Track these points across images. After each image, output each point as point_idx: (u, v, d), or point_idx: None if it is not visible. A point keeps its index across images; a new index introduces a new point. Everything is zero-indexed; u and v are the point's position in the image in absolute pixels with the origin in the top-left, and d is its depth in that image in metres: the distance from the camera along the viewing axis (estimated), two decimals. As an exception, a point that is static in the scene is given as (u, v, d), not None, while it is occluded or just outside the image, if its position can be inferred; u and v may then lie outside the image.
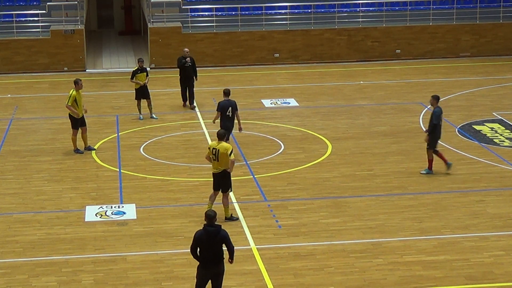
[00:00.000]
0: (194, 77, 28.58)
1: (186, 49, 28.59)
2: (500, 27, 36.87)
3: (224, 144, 18.51)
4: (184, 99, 28.55)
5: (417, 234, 18.18)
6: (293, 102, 29.34)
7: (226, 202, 18.91)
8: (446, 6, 37.43)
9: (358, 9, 36.92)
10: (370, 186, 21.12)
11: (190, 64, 28.18)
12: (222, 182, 18.68)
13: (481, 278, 16.06)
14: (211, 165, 18.79)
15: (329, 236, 18.09)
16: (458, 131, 25.58)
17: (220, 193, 18.90)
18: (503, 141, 24.54)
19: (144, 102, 27.19)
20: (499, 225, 18.53)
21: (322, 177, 21.74)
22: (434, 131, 21.65)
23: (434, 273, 16.31)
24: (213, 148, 18.48)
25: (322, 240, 17.86)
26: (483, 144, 24.27)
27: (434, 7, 37.28)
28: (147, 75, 27.11)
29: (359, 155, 23.43)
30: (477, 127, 25.93)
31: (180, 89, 28.75)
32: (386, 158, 23.25)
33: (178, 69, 28.38)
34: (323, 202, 20.08)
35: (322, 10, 36.84)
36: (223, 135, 18.62)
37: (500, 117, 26.85)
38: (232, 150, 18.53)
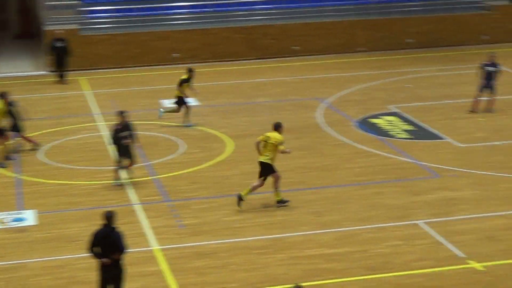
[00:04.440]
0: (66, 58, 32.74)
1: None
2: (394, 22, 37.65)
3: (275, 134, 19.32)
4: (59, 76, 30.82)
5: (318, 228, 18.44)
6: (193, 101, 29.37)
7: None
8: (342, 2, 38.02)
9: (255, 6, 37.19)
10: (271, 182, 21.28)
11: (62, 45, 32.58)
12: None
13: (380, 268, 16.39)
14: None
15: (232, 233, 18.20)
16: (356, 124, 26.04)
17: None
18: (399, 133, 25.10)
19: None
20: (397, 216, 18.93)
21: (223, 175, 21.86)
22: None
23: (335, 265, 16.57)
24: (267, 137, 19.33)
25: (225, 238, 17.95)
26: (380, 137, 24.77)
27: (330, 3, 37.82)
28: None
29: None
30: (374, 121, 26.45)
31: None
32: (287, 154, 23.43)
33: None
34: (225, 200, 20.17)
35: (220, 9, 36.98)
36: (279, 125, 19.44)
37: (396, 110, 27.42)
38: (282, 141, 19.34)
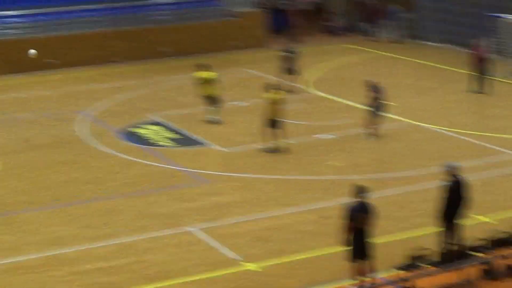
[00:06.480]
0: None
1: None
2: (148, 32, 38.04)
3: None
4: None
5: (93, 241, 18.39)
6: None
7: None
8: (95, 13, 37.91)
9: (6, 19, 36.35)
10: (42, 198, 21.02)
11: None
12: None
13: (160, 277, 16.56)
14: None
15: (4, 254, 17.79)
16: (120, 135, 26.12)
17: None
18: (164, 141, 25.41)
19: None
20: (170, 224, 19.19)
21: (-10, 194, 21.35)
22: None
23: (115, 278, 16.59)
24: None
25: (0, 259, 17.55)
26: (146, 146, 24.99)
27: (83, 14, 37.64)
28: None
29: (26, 168, 23.23)
30: (138, 130, 26.64)
31: None
32: (55, 168, 23.22)
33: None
34: (-5, 220, 19.73)
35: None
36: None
37: (159, 119, 27.72)
38: None
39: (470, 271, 14.39)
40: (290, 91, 29.68)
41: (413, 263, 15.43)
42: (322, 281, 16.18)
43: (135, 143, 25.41)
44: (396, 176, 22.07)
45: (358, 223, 15.01)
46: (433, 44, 40.15)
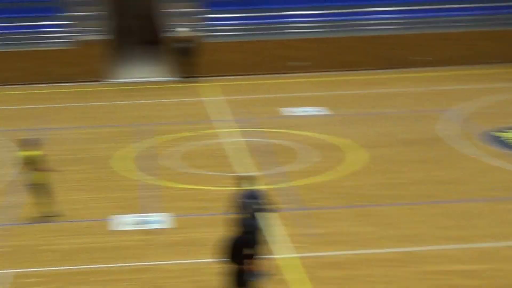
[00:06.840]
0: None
1: None
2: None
3: None
4: None
5: (449, 242, 18.00)
6: (322, 111, 29.34)
7: None
8: (469, 13, 37.41)
9: (381, 16, 37.00)
10: (402, 194, 21.01)
11: (187, 46, 32.67)
12: None
13: (517, 287, 15.91)
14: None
15: (363, 245, 17.96)
16: (487, 138, 25.45)
17: None
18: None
19: None
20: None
21: (354, 185, 21.64)
22: None
23: (470, 282, 16.10)
24: None
25: (357, 249, 17.72)
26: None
27: (456, 13, 37.34)
28: None
29: (388, 163, 23.35)
30: (505, 135, 25.78)
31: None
32: (415, 165, 23.14)
33: None
34: (355, 210, 19.97)
35: (346, 17, 36.89)
36: None
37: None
38: None
39: None
40: None
41: None
42: None
43: (500, 147, 24.58)
44: None
45: None
46: None
